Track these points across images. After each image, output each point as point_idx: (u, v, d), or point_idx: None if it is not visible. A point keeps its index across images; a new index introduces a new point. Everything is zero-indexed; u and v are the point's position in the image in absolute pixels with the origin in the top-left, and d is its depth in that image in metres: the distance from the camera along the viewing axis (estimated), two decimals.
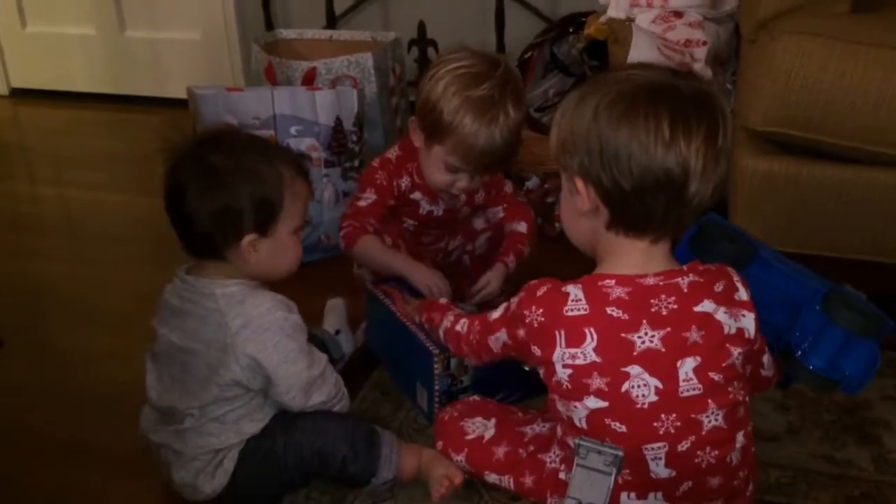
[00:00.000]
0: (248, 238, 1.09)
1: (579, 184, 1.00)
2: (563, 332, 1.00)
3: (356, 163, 1.84)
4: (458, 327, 1.19)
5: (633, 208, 0.98)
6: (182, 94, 1.92)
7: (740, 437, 1.03)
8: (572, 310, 1.00)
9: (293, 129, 1.77)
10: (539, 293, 1.03)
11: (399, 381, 1.41)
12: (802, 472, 1.23)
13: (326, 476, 1.17)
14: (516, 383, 1.32)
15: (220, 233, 1.09)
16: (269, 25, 2.63)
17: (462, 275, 1.66)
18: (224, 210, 1.07)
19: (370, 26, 2.54)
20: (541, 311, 1.01)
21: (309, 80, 1.90)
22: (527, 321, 1.02)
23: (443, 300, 1.32)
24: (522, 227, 1.56)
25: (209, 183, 1.07)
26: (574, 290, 1.01)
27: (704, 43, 1.83)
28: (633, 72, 1.02)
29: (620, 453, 0.92)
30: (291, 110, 1.76)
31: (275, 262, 1.14)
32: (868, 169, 1.44)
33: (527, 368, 1.32)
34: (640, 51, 1.79)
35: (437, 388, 1.28)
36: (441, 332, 1.24)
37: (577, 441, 0.94)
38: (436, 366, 1.27)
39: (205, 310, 1.11)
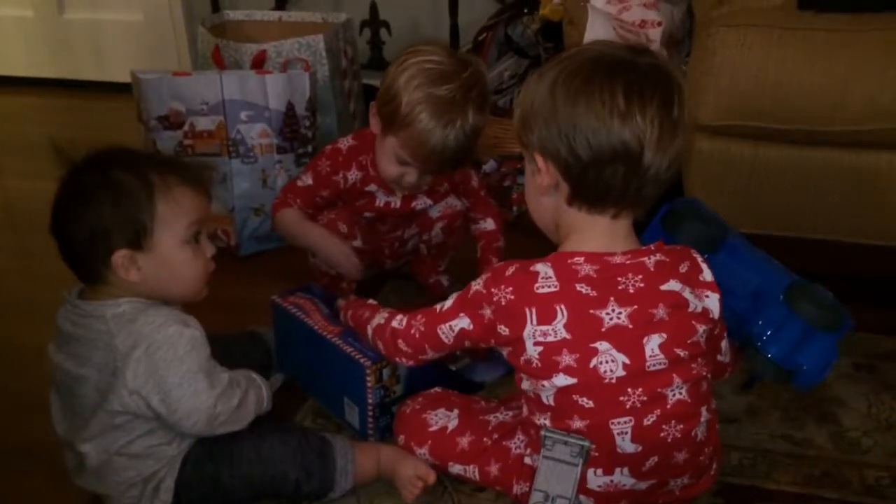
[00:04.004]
0: (120, 254, 1.02)
1: (539, 159, 1.01)
2: (533, 310, 1.00)
3: (310, 148, 1.80)
4: (394, 323, 1.14)
5: (591, 181, 0.99)
6: (125, 78, 1.85)
7: (704, 412, 1.04)
8: (543, 287, 1.00)
9: (243, 115, 1.72)
10: (508, 273, 1.02)
11: (323, 400, 1.33)
12: (763, 452, 1.24)
13: (282, 498, 1.12)
14: (447, 386, 1.27)
15: (93, 253, 1.03)
16: (216, 6, 2.56)
17: (419, 263, 1.64)
18: (91, 229, 1.02)
19: (320, 7, 2.49)
20: (510, 289, 1.01)
21: (258, 63, 1.85)
22: (494, 299, 1.02)
23: (372, 301, 1.27)
24: (490, 224, 1.54)
25: (76, 202, 1.02)
26: (543, 268, 1.01)
27: (659, 24, 1.82)
28: (592, 48, 1.04)
29: (587, 444, 0.92)
30: (241, 95, 1.71)
31: (166, 280, 1.06)
32: (823, 149, 1.46)
33: (454, 368, 1.32)
34: (596, 32, 1.77)
35: (370, 401, 1.22)
36: (370, 330, 1.18)
37: (543, 433, 0.93)
38: (368, 378, 1.20)
39: (94, 333, 1.03)
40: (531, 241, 1.13)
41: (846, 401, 1.34)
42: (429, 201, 1.52)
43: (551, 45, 2.00)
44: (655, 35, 1.83)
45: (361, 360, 1.21)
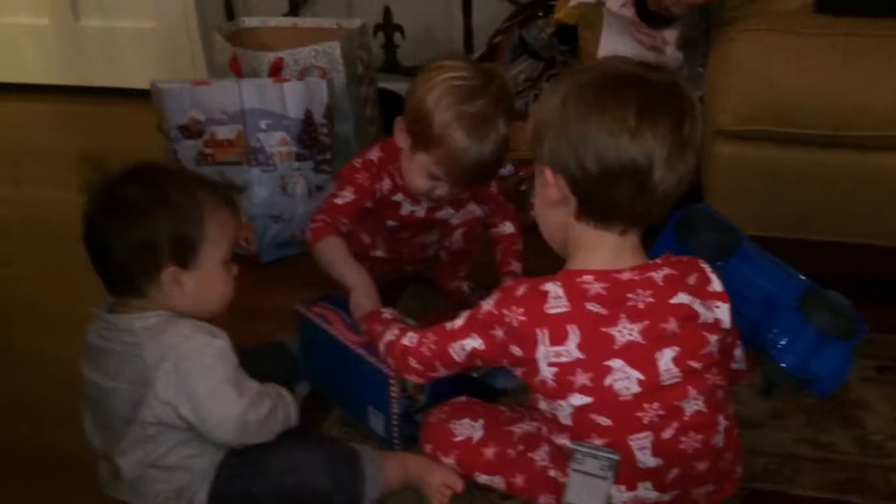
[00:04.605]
0: (169, 271, 1.05)
1: (548, 172, 1.02)
2: (545, 331, 1.00)
3: (328, 155, 1.81)
4: (405, 341, 1.15)
5: (600, 196, 1.00)
6: (140, 85, 1.86)
7: (722, 420, 1.04)
8: (553, 307, 1.00)
9: (262, 124, 1.72)
10: (518, 293, 1.03)
11: (347, 408, 1.34)
12: (788, 457, 1.24)
13: None
14: (471, 393, 1.27)
15: (140, 268, 1.04)
16: (230, 11, 2.57)
17: (439, 269, 1.65)
18: (141, 244, 1.03)
19: (333, 12, 2.49)
20: (521, 310, 1.01)
21: (276, 71, 1.85)
22: (506, 320, 1.02)
23: (386, 314, 1.28)
24: (509, 227, 1.54)
25: (125, 217, 1.03)
26: (553, 288, 1.01)
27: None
28: (604, 63, 1.06)
29: (616, 457, 0.92)
30: (260, 104, 1.72)
31: (203, 297, 1.08)
32: (843, 151, 1.46)
33: (475, 375, 1.33)
34: (612, 35, 1.77)
35: (394, 411, 1.23)
36: (382, 346, 1.19)
37: (572, 446, 0.94)
38: (392, 389, 1.21)
39: (124, 346, 1.05)
40: (546, 246, 1.13)
41: (870, 404, 1.34)
42: (452, 210, 1.53)
43: (567, 48, 1.99)
44: (671, 37, 1.82)
45: (385, 370, 1.21)
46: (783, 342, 1.10)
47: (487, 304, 1.05)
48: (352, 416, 1.33)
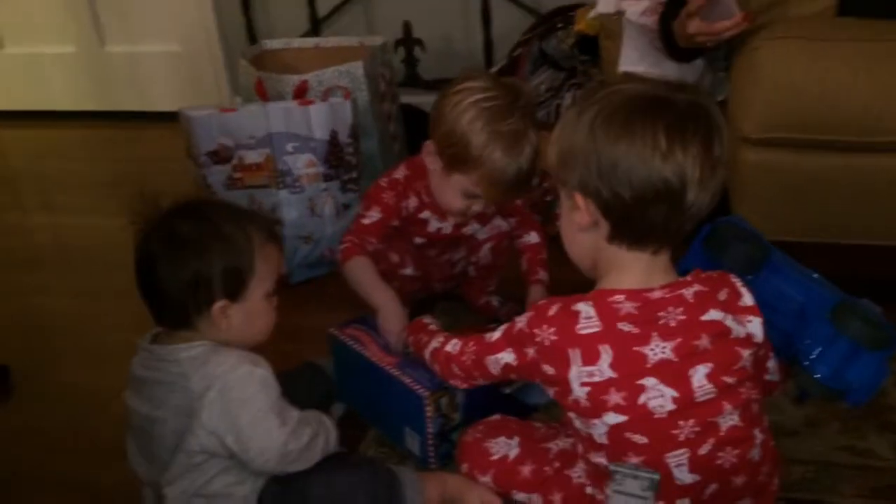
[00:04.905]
0: (219, 304, 1.07)
1: (578, 198, 1.02)
2: (577, 351, 1.01)
3: (354, 174, 1.83)
4: (448, 348, 1.18)
5: (633, 220, 1.00)
6: (166, 107, 1.89)
7: (758, 433, 1.04)
8: (585, 328, 1.01)
9: (289, 147, 1.75)
10: (550, 312, 1.03)
11: (383, 429, 1.35)
12: (825, 465, 1.24)
13: None
14: (504, 410, 1.28)
15: (191, 301, 1.07)
16: (251, 32, 2.61)
17: (468, 285, 1.67)
18: (194, 278, 1.06)
19: (354, 28, 2.52)
20: (553, 329, 1.02)
21: (300, 93, 1.88)
22: (537, 340, 1.03)
23: (431, 325, 1.30)
24: (534, 237, 1.56)
25: (178, 251, 1.06)
26: (585, 308, 1.02)
27: None
28: (627, 85, 1.04)
29: (657, 477, 0.93)
30: (286, 127, 1.74)
31: (247, 329, 1.12)
32: (868, 155, 1.45)
33: (507, 391, 1.34)
34: (632, 44, 1.78)
35: (430, 431, 1.25)
36: (427, 353, 1.22)
37: (612, 468, 0.94)
38: (427, 409, 1.23)
39: (170, 376, 1.08)
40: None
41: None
42: (477, 225, 1.54)
43: (587, 58, 2.00)
44: None
45: (420, 391, 1.23)
46: (816, 353, 1.10)
47: (521, 322, 1.06)
48: (388, 437, 1.35)
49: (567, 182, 1.03)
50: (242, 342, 1.12)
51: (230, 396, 1.05)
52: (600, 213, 1.01)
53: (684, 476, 1.00)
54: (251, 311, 1.11)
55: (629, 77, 1.21)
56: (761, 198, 1.52)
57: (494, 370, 1.11)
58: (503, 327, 1.10)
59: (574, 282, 1.11)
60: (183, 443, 1.07)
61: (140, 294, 1.10)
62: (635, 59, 1.80)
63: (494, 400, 1.29)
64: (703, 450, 1.00)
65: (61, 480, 1.34)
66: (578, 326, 1.01)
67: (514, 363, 1.07)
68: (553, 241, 1.71)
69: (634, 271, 1.03)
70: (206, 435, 1.06)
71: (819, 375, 1.09)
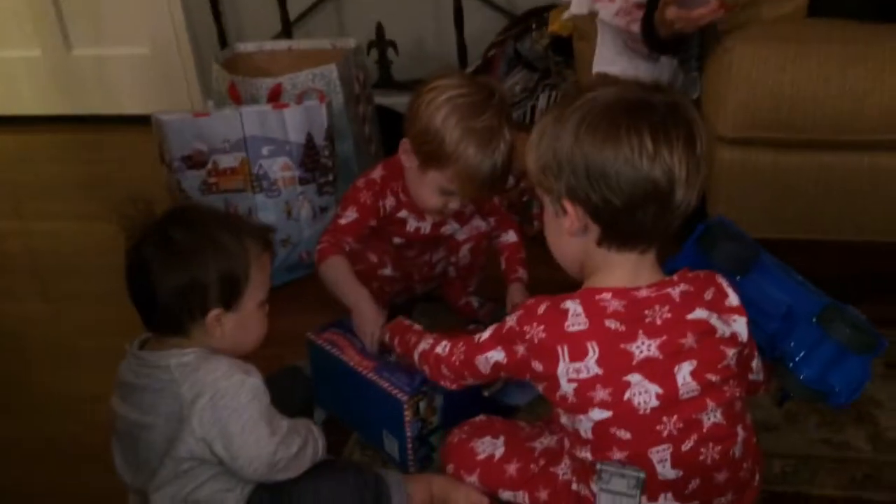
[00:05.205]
0: (214, 313, 1.07)
1: (567, 205, 1.03)
2: (565, 348, 1.02)
3: (331, 177, 1.82)
4: (438, 349, 1.18)
5: (623, 223, 1.01)
6: (136, 111, 1.86)
7: (740, 431, 1.06)
8: (573, 325, 1.02)
9: (265, 150, 1.74)
10: (539, 311, 1.04)
11: (362, 432, 1.35)
12: (804, 458, 1.26)
13: None
14: (483, 412, 1.28)
15: (185, 308, 1.06)
16: (221, 34, 2.58)
17: (448, 286, 1.67)
18: (190, 285, 1.05)
19: (326, 30, 2.51)
20: (542, 327, 1.03)
21: (275, 96, 1.87)
22: (527, 338, 1.04)
23: (416, 326, 1.30)
24: (512, 236, 1.57)
25: (174, 259, 1.05)
26: (573, 306, 1.03)
27: None
28: (605, 90, 1.04)
29: (643, 475, 0.94)
30: (261, 131, 1.73)
31: (240, 337, 1.11)
32: (842, 153, 1.48)
33: (486, 393, 1.35)
34: (606, 45, 1.79)
35: (409, 434, 1.25)
36: (416, 355, 1.22)
37: (598, 466, 0.95)
38: (406, 413, 1.23)
39: (160, 382, 1.07)
40: (551, 255, 1.15)
41: (882, 401, 1.36)
42: (456, 225, 1.55)
43: (561, 59, 2.02)
44: None
45: (398, 395, 1.23)
46: (801, 354, 1.12)
47: (511, 320, 1.07)
48: (366, 440, 1.34)
49: (552, 189, 1.04)
50: (234, 350, 1.11)
51: (221, 404, 1.04)
52: (590, 218, 1.02)
53: (667, 471, 1.02)
54: (244, 320, 1.10)
55: (603, 80, 1.21)
56: (737, 196, 1.54)
57: (484, 370, 1.11)
58: (492, 327, 1.11)
59: (552, 280, 1.14)
60: (172, 449, 1.06)
61: (131, 300, 1.08)
62: (609, 60, 1.81)
63: (473, 402, 1.30)
64: (686, 446, 1.02)
65: (39, 487, 1.33)
66: (567, 324, 1.02)
67: (504, 361, 1.08)
68: (531, 240, 1.73)
69: (621, 271, 1.04)
70: (195, 442, 1.05)
71: (803, 377, 1.11)
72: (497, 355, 1.09)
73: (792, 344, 1.12)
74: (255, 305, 1.11)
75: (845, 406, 1.15)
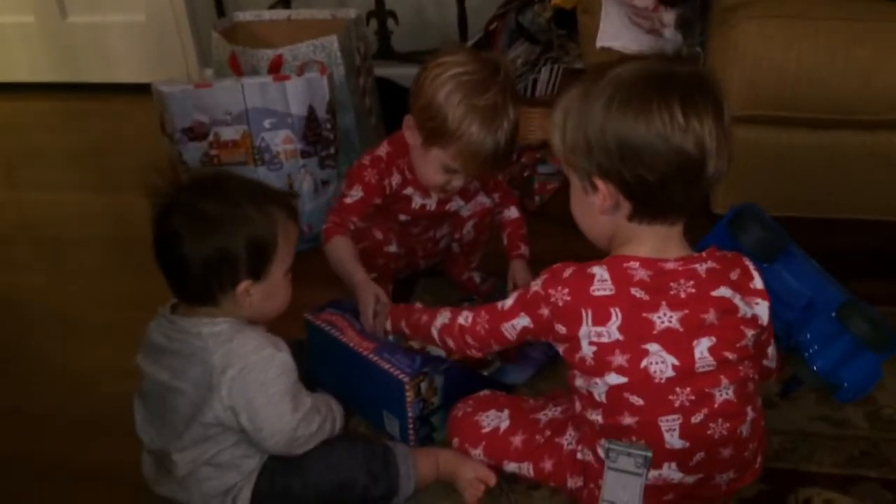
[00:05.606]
0: (244, 284, 1.08)
1: (599, 183, 1.03)
2: (589, 311, 1.04)
3: (332, 150, 1.82)
4: (460, 320, 1.19)
5: (656, 197, 1.02)
6: (131, 79, 1.83)
7: (750, 411, 1.08)
8: (599, 290, 1.04)
9: (267, 123, 1.73)
10: (565, 274, 1.06)
11: (361, 412, 1.35)
12: (803, 435, 1.28)
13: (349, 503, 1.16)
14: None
15: (215, 279, 1.07)
16: (219, 3, 2.55)
17: (451, 261, 1.67)
18: (220, 256, 1.06)
19: (325, 1, 2.48)
20: (567, 290, 1.05)
21: (275, 68, 1.85)
22: (552, 300, 1.06)
23: (417, 304, 1.31)
24: (514, 212, 1.57)
25: (203, 229, 1.05)
26: (600, 271, 1.05)
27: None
28: (627, 65, 1.04)
29: (649, 454, 0.95)
30: (263, 103, 1.72)
31: (267, 305, 1.12)
32: (849, 132, 1.48)
33: (485, 374, 1.37)
34: (610, 19, 1.78)
35: (410, 414, 1.26)
36: (434, 331, 1.22)
37: (606, 445, 0.97)
38: (408, 393, 1.24)
39: (192, 348, 1.08)
40: (553, 230, 1.17)
41: (881, 380, 1.37)
42: (461, 202, 1.55)
43: (564, 32, 2.00)
44: (669, 19, 1.83)
45: (400, 376, 1.24)
46: (817, 346, 1.14)
47: (535, 285, 1.09)
48: (366, 420, 1.35)
49: (581, 168, 1.05)
50: (261, 317, 1.13)
51: (250, 378, 1.06)
52: (622, 194, 1.03)
53: (674, 441, 1.04)
54: (272, 288, 1.11)
55: (628, 57, 1.20)
56: (741, 173, 1.53)
57: (511, 336, 1.13)
58: (516, 294, 1.12)
59: (553, 253, 1.15)
60: (199, 414, 1.08)
61: (161, 270, 1.09)
62: (613, 34, 1.80)
63: (473, 382, 1.31)
64: (696, 418, 1.04)
65: (49, 458, 1.33)
66: (592, 288, 1.04)
67: (530, 325, 1.10)
68: (532, 215, 1.74)
69: (652, 242, 1.06)
70: (223, 409, 1.07)
71: (817, 368, 1.13)
72: (523, 321, 1.10)
73: (808, 335, 1.14)
74: (281, 274, 1.12)
75: (853, 401, 1.17)
